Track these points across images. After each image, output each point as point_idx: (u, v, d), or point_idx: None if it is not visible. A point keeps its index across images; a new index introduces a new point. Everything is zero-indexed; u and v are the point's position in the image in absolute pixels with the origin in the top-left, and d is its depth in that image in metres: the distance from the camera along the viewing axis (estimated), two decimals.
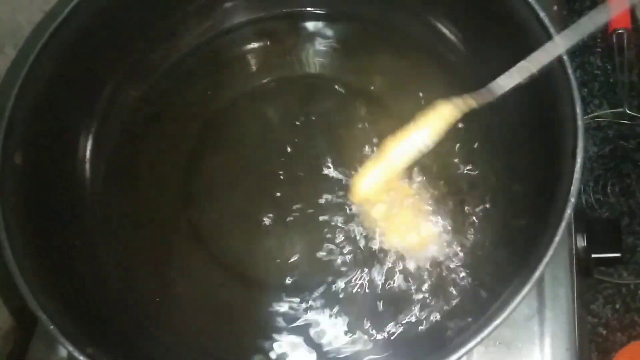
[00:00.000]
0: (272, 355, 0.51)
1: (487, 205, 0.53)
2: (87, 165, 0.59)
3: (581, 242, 0.55)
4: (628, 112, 0.78)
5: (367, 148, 0.56)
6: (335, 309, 0.52)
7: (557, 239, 0.41)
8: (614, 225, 0.60)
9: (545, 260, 0.40)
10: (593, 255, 0.55)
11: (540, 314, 0.52)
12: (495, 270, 0.49)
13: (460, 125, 0.50)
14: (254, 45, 0.64)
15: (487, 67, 0.52)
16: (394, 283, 0.52)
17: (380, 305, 0.51)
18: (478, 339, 0.40)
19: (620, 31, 0.82)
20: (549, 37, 0.47)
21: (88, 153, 0.60)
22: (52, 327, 0.44)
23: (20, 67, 0.52)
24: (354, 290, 0.52)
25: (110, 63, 0.60)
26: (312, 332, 0.51)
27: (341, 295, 0.52)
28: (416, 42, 0.61)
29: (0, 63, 0.63)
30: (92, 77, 0.59)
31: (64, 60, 0.55)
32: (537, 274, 0.40)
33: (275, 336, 0.51)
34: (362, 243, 0.53)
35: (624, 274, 0.74)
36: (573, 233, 0.54)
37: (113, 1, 0.57)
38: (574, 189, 0.42)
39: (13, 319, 0.65)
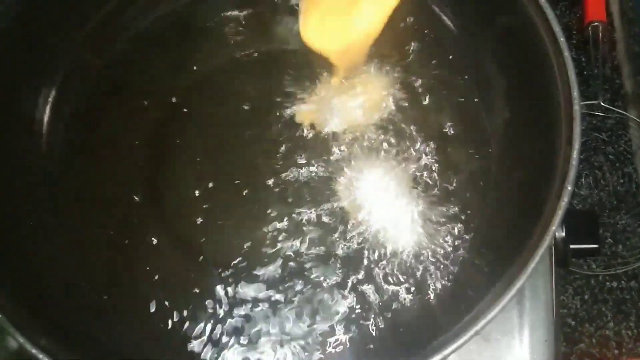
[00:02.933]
0: (228, 340, 0.49)
1: (480, 200, 0.52)
2: (44, 139, 0.55)
3: (560, 233, 0.54)
4: (602, 104, 0.78)
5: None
6: (301, 298, 0.50)
7: (553, 228, 0.39)
8: (591, 217, 0.59)
9: (542, 250, 0.39)
10: (571, 246, 0.55)
11: (520, 306, 0.51)
12: (490, 260, 0.47)
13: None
14: (231, 14, 0.60)
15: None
16: (373, 277, 0.50)
17: (356, 296, 0.49)
18: (472, 332, 0.38)
19: (595, 24, 0.81)
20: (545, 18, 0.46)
21: (45, 124, 0.56)
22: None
23: None
24: (327, 280, 0.50)
25: (70, 25, 0.56)
26: (274, 320, 0.50)
27: (310, 285, 0.50)
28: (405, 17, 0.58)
29: None
30: (49, 39, 0.55)
31: (18, 17, 0.51)
32: (533, 264, 0.39)
33: (237, 320, 0.50)
34: (340, 231, 0.52)
35: (593, 265, 0.74)
36: None
37: None
38: (571, 176, 0.41)
39: None
